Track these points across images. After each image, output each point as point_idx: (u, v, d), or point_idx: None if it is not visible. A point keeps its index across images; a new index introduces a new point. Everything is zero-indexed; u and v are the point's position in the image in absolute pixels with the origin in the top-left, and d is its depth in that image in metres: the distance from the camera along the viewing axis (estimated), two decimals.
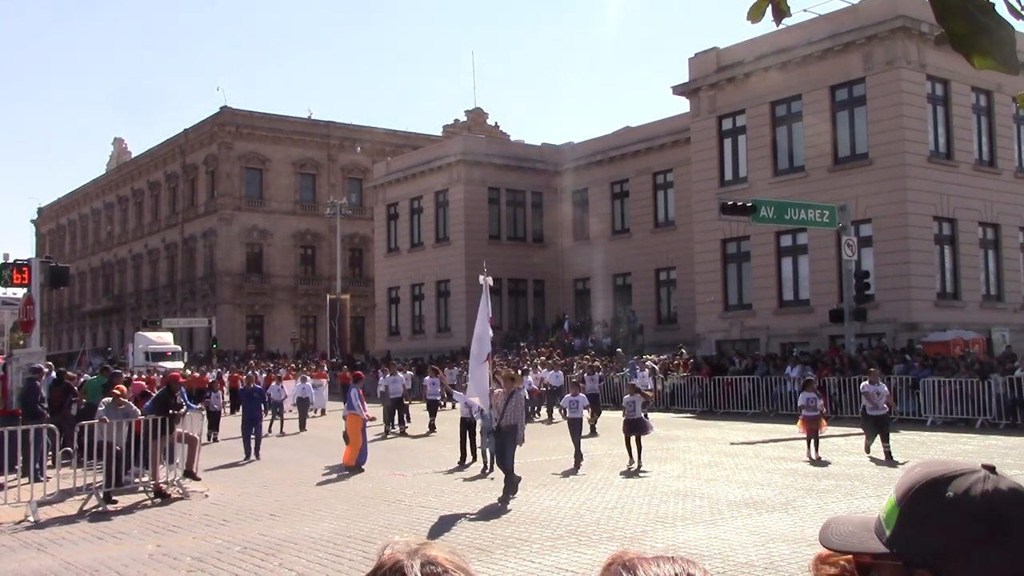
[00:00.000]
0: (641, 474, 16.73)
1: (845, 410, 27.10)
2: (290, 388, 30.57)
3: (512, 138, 70.27)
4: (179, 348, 55.99)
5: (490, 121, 77.88)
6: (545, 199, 53.17)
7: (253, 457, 20.59)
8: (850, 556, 1.78)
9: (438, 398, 27.19)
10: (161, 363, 47.89)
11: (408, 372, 32.86)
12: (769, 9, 2.26)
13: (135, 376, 36.88)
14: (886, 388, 19.24)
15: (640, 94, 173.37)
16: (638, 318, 45.36)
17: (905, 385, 26.37)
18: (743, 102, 37.30)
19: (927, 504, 1.43)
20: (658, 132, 46.67)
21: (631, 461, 17.61)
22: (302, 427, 28.14)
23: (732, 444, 21.69)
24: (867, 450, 18.47)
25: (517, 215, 53.21)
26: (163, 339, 57.04)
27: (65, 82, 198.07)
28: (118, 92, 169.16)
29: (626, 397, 19.05)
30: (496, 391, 15.63)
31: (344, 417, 19.92)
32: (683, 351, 36.02)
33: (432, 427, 26.48)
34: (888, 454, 17.86)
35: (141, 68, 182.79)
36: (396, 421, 26.95)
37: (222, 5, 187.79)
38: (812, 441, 18.55)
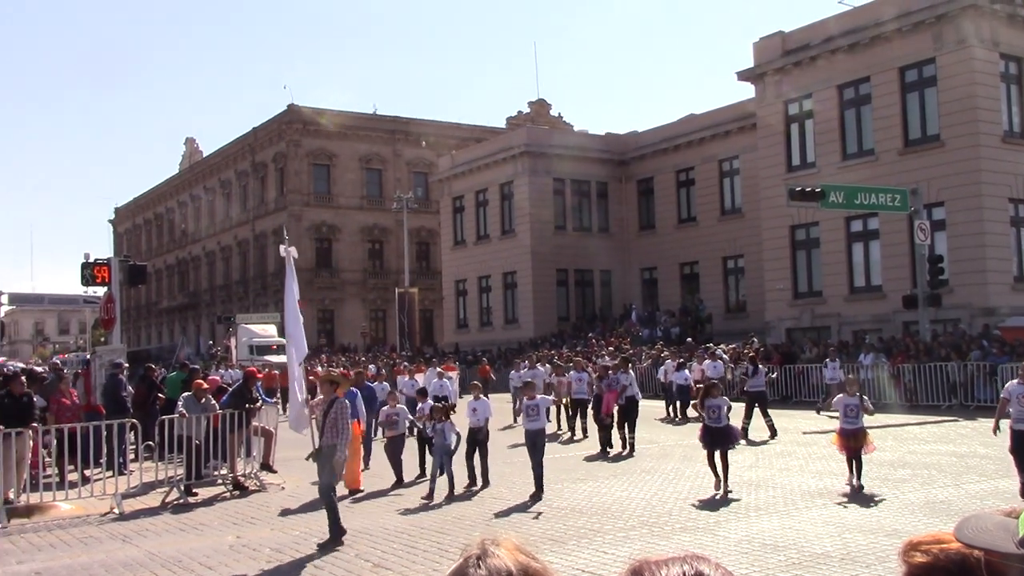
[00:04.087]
0: (730, 497, 13.24)
1: (921, 398, 26.70)
2: (422, 381, 26.71)
3: (575, 128, 70.04)
4: (284, 341, 53.50)
5: (553, 112, 77.66)
6: (610, 189, 52.92)
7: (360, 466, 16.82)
8: (944, 546, 1.80)
9: (585, 396, 22.67)
10: (266, 357, 44.13)
11: (540, 367, 27.85)
12: None
13: (232, 369, 36.63)
14: None
15: (704, 80, 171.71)
16: (706, 307, 45.03)
17: (983, 372, 25.82)
18: (810, 86, 36.72)
19: None
20: (723, 119, 46.16)
21: (717, 483, 13.67)
22: None
23: (804, 433, 21.46)
24: None
25: (582, 205, 53.04)
26: (267, 332, 52.76)
27: (138, 86, 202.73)
28: (189, 93, 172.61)
29: (710, 401, 14.26)
30: (312, 401, 12.46)
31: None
32: (753, 340, 35.68)
33: (584, 431, 22.57)
34: None
35: (210, 69, 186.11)
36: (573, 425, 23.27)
37: (286, 3, 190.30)
38: (853, 463, 13.72)
